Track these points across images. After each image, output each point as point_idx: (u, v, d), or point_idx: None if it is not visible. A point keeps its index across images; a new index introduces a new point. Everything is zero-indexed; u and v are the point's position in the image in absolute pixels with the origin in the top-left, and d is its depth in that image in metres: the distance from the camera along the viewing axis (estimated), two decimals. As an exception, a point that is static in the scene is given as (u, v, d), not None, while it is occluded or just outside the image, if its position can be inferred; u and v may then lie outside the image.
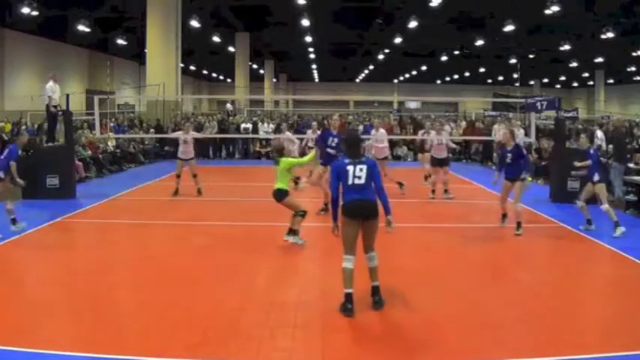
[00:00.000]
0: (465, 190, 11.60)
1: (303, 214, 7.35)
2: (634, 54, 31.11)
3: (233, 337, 4.52)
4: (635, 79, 43.84)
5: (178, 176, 11.42)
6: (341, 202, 5.15)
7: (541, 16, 20.95)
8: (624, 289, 6.03)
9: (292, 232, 7.41)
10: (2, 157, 8.07)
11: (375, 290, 5.18)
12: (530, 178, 14.44)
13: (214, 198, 11.29)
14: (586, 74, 45.60)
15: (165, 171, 15.66)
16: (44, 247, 7.64)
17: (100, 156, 15.07)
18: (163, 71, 19.56)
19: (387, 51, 35.25)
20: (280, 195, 7.37)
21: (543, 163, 14.06)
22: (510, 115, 22.43)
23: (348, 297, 5.02)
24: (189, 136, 11.67)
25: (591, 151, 8.61)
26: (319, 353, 4.28)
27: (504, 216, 8.69)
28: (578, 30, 25.47)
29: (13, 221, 8.08)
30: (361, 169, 5.03)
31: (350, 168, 5.04)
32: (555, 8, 19.23)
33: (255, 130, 20.16)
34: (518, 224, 8.23)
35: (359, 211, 5.00)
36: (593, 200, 8.46)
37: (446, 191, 11.20)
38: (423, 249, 7.67)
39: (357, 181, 5.02)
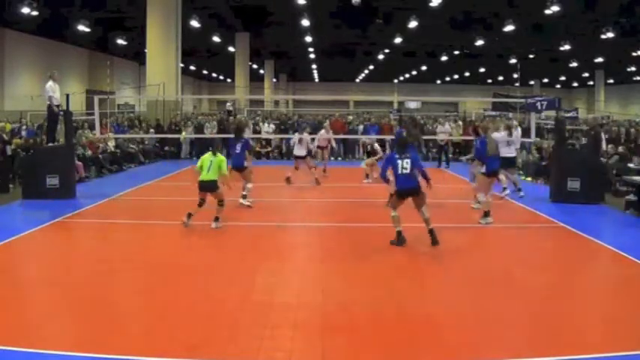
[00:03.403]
0: (463, 191, 11.59)
1: (223, 203, 8.37)
2: (634, 54, 31.10)
3: (233, 337, 4.53)
4: (635, 79, 43.84)
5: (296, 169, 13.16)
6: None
7: (541, 16, 20.95)
8: (624, 289, 6.03)
9: (216, 218, 8.32)
10: None
11: (431, 231, 7.22)
12: (530, 178, 14.52)
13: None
14: (586, 74, 45.60)
15: (166, 171, 15.67)
16: (44, 247, 7.66)
17: (100, 156, 15.06)
18: (163, 71, 19.54)
19: (387, 51, 35.26)
20: (215, 185, 8.27)
21: (543, 163, 14.05)
22: (510, 115, 22.44)
23: (399, 233, 7.28)
24: (305, 137, 13.28)
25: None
26: (319, 353, 4.28)
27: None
28: (578, 30, 25.47)
29: None
30: (407, 162, 7.25)
31: (399, 162, 7.28)
32: (555, 8, 19.21)
33: (254, 130, 20.16)
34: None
35: (405, 194, 7.34)
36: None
37: (504, 190, 11.03)
38: (422, 249, 7.66)
39: (404, 171, 7.22)
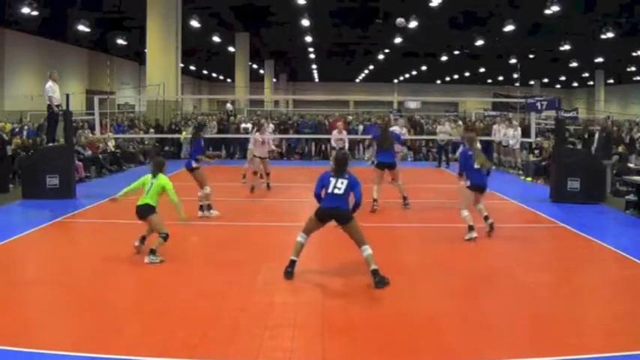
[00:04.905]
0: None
1: (165, 236, 6.71)
2: (634, 54, 31.12)
3: (233, 337, 4.52)
4: (635, 79, 43.86)
5: (255, 173, 12.19)
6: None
7: (541, 16, 20.97)
8: (625, 289, 6.03)
9: (152, 251, 6.61)
10: None
11: (374, 273, 5.78)
12: (530, 178, 14.52)
13: (213, 198, 11.27)
14: (586, 74, 45.62)
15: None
16: (44, 247, 7.66)
17: (100, 156, 15.07)
18: (163, 71, 19.54)
19: (387, 51, 35.26)
20: (148, 210, 6.81)
21: (543, 163, 14.05)
22: (510, 115, 22.46)
23: (292, 262, 6.01)
24: (267, 136, 12.68)
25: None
26: (319, 353, 4.27)
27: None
28: (578, 30, 25.49)
29: None
30: (342, 182, 6.00)
31: (332, 180, 6.04)
32: (555, 8, 19.24)
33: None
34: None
35: (327, 215, 6.01)
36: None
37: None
38: (423, 249, 7.67)
39: (337, 190, 5.98)
